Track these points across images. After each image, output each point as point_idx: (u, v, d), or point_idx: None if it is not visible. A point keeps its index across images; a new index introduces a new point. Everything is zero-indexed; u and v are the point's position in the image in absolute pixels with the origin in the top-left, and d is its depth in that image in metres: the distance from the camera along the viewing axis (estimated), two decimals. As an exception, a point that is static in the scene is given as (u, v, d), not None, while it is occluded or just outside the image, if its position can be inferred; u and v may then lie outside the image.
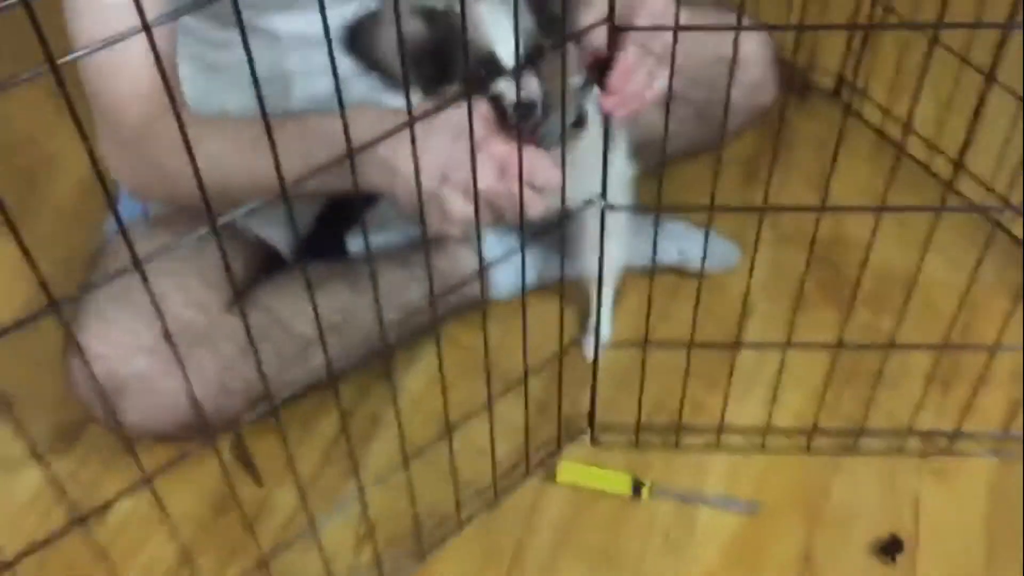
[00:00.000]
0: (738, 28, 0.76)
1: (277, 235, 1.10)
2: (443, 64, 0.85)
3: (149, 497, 1.10)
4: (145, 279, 0.57)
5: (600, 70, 0.82)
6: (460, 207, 0.80)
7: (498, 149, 0.80)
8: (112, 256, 1.01)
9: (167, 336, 0.68)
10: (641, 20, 0.84)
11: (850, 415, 1.18)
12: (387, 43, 0.84)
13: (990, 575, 1.07)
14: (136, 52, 0.56)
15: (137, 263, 0.55)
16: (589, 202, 0.88)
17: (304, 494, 0.89)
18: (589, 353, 1.24)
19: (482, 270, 0.82)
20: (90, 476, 1.15)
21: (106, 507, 0.68)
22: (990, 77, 0.90)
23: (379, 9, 0.86)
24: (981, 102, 0.90)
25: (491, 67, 0.83)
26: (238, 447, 0.81)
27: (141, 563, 1.08)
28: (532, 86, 0.82)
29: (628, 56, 0.84)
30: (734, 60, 0.78)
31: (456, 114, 0.68)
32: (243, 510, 0.96)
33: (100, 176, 0.51)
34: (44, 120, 1.54)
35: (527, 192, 0.78)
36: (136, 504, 1.06)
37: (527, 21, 0.82)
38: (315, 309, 0.71)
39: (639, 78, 0.86)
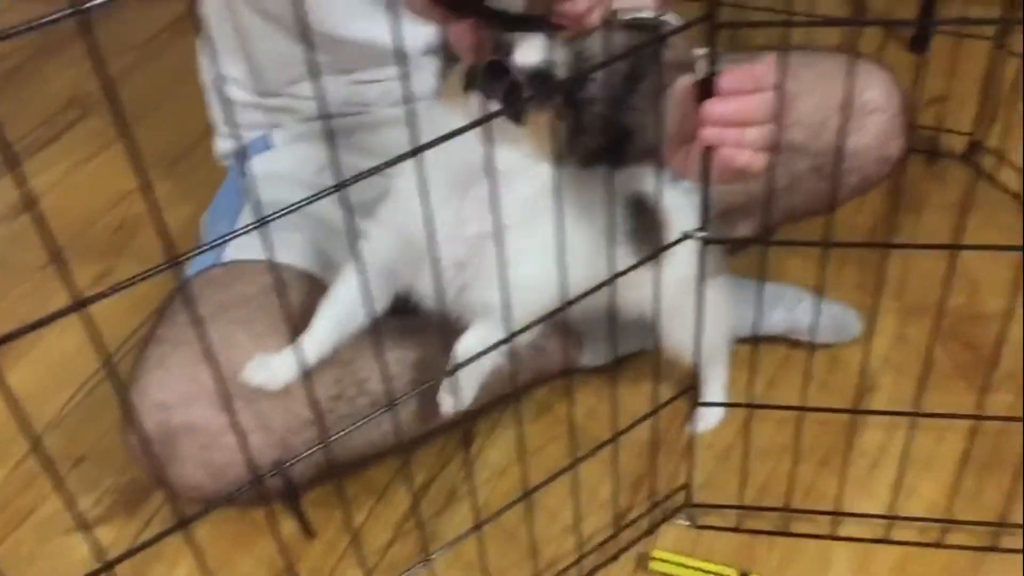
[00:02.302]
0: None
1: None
2: None
3: (211, 563, 1.05)
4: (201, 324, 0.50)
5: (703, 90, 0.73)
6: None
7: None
8: (182, 304, 0.97)
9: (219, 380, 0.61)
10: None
11: (992, 507, 1.03)
12: None
13: None
14: None
15: (194, 318, 0.48)
16: (686, 236, 0.79)
17: (366, 568, 0.80)
18: (699, 425, 1.13)
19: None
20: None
21: (130, 554, 0.61)
22: None
23: None
24: None
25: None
26: (289, 494, 0.73)
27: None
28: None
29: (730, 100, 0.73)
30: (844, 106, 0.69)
31: None
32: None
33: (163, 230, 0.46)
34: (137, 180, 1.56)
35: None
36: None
37: None
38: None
39: (745, 136, 0.75)
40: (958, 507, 1.00)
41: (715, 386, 1.12)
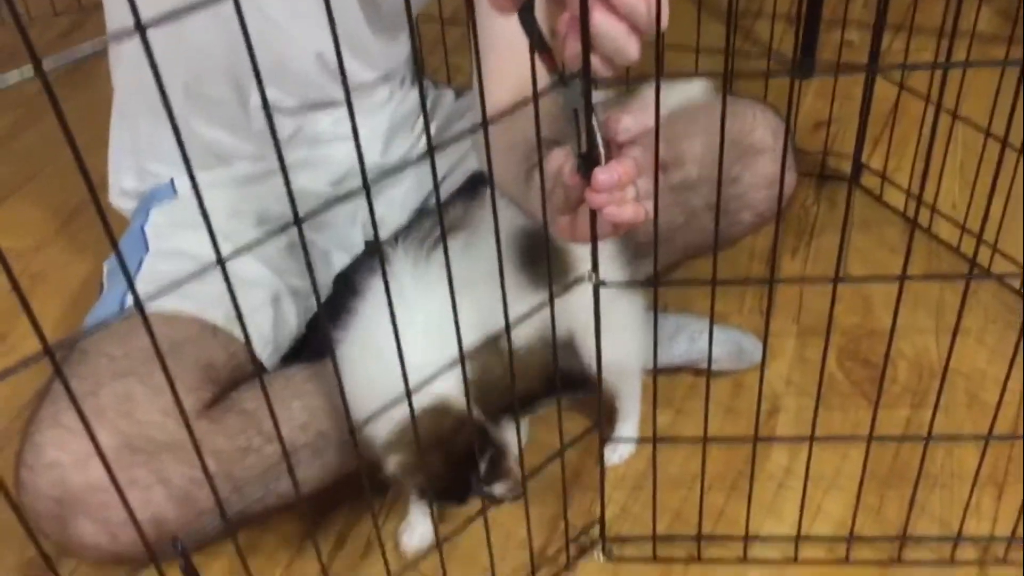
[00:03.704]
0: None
1: (259, 339, 1.03)
2: None
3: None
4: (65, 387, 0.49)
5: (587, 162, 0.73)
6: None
7: None
8: (80, 355, 0.95)
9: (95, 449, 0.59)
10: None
11: (896, 522, 1.06)
12: None
13: None
14: None
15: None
16: (579, 279, 0.80)
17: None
18: (613, 458, 1.15)
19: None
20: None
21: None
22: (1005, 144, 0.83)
23: None
24: (998, 171, 0.82)
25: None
26: (187, 567, 0.71)
27: None
28: None
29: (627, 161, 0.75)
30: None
31: None
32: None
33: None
34: (32, 238, 1.52)
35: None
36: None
37: None
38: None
39: (628, 193, 0.74)
40: (862, 523, 1.02)
41: (630, 419, 1.14)
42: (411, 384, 0.71)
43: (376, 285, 0.93)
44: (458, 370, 0.75)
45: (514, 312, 0.76)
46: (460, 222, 0.96)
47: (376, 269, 0.85)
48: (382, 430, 0.87)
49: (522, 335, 0.86)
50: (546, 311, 0.79)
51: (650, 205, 0.74)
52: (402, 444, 0.87)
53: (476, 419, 0.88)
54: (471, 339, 0.75)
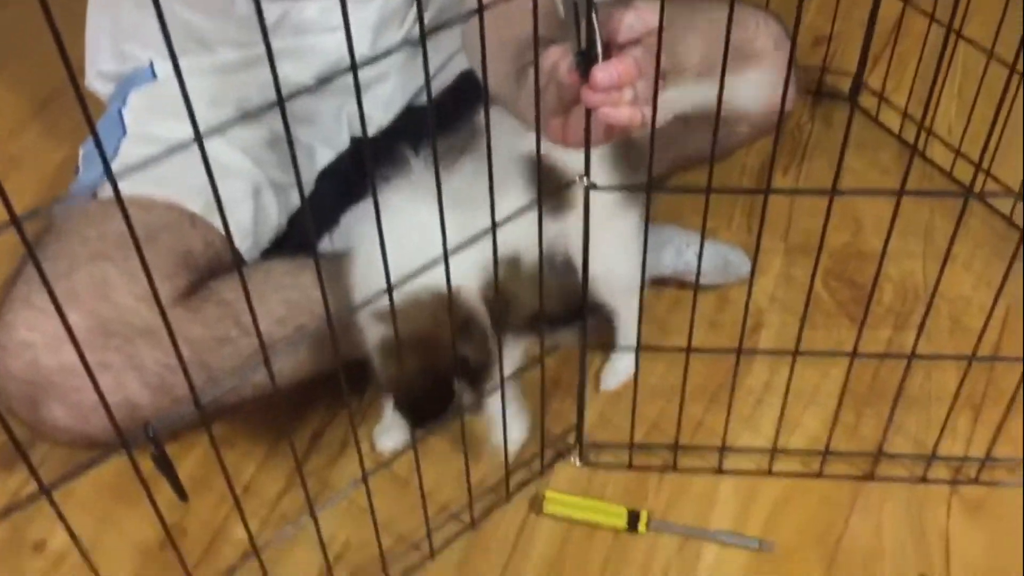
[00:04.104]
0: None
1: (239, 231, 1.01)
2: None
3: (93, 525, 1.02)
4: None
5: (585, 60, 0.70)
6: None
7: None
8: (54, 237, 0.92)
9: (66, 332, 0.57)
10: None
11: (871, 440, 1.07)
12: None
13: (1030, 619, 0.95)
14: None
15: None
16: (572, 182, 0.78)
17: (244, 515, 0.79)
18: (609, 381, 1.15)
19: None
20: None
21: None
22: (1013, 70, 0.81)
23: None
24: (1003, 99, 0.80)
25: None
26: (158, 453, 0.71)
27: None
28: None
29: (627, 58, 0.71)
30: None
31: None
32: (174, 542, 0.87)
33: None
34: (6, 123, 1.48)
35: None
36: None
37: None
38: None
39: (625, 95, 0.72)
40: (838, 439, 1.03)
41: (629, 340, 1.12)
42: (427, 269, 0.72)
43: (402, 187, 0.91)
44: (475, 270, 0.77)
45: (522, 232, 0.76)
46: (470, 144, 0.92)
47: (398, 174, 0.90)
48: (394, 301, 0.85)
49: (531, 256, 0.85)
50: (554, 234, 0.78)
51: (648, 110, 0.72)
52: (409, 317, 0.85)
53: (482, 321, 0.87)
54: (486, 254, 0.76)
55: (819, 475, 1.05)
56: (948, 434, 1.03)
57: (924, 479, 1.04)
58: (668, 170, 1.14)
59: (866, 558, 0.99)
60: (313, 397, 1.09)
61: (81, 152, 1.08)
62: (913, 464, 1.05)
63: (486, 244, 0.74)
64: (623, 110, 0.71)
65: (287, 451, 1.08)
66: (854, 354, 0.92)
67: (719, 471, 1.05)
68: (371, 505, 0.83)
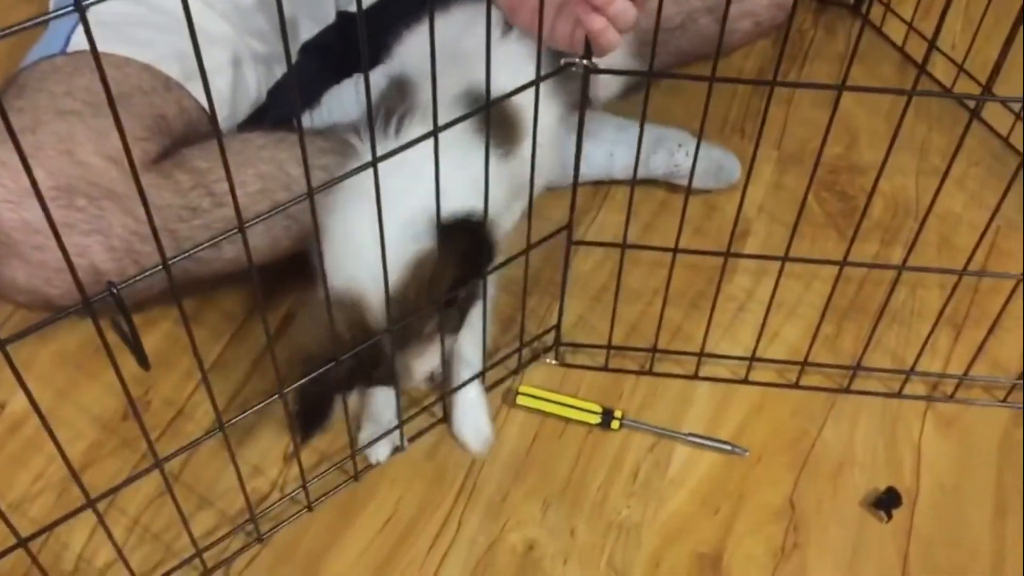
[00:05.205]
0: None
1: (217, 99, 0.96)
2: None
3: (53, 396, 1.00)
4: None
5: None
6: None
7: None
8: (17, 91, 0.87)
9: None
10: None
11: (851, 353, 1.06)
12: None
13: (996, 538, 0.95)
14: None
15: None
16: (569, 64, 0.74)
17: (211, 389, 0.76)
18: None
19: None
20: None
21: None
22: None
23: None
24: (1019, 19, 0.76)
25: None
26: (121, 313, 0.67)
27: (36, 468, 0.95)
28: None
29: None
30: None
31: None
32: (136, 409, 0.84)
33: None
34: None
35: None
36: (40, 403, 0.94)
37: None
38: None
39: None
40: (816, 351, 1.02)
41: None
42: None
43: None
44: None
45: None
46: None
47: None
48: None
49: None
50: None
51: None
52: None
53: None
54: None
55: (795, 386, 1.04)
56: (928, 351, 1.02)
57: (900, 394, 1.04)
58: (667, 64, 1.10)
59: (836, 467, 0.99)
60: (286, 278, 1.06)
61: (52, 3, 1.02)
62: (890, 379, 1.04)
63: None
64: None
65: (255, 332, 1.06)
66: (844, 263, 0.90)
67: (695, 377, 1.04)
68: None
